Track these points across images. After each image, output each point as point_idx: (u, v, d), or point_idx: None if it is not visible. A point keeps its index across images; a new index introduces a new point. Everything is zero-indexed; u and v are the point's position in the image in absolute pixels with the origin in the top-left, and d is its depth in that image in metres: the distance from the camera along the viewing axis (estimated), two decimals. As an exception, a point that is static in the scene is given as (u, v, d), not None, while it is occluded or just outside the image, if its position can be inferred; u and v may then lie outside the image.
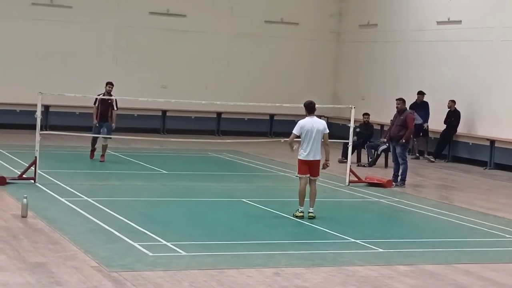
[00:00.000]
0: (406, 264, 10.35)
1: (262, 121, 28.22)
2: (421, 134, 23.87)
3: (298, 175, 13.23)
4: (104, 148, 18.99)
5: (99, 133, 18.58)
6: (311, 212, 13.12)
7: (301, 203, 13.08)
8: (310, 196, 13.18)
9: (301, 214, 13.04)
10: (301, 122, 13.16)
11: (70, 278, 8.83)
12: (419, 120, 23.46)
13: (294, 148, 13.24)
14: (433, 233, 12.78)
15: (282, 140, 16.53)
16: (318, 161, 13.20)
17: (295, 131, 13.12)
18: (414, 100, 23.59)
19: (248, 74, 28.31)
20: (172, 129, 26.86)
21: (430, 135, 24.17)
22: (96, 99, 18.75)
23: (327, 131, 13.23)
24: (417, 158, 23.65)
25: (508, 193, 17.99)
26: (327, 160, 13.39)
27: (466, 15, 23.69)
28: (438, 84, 24.30)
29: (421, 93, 23.86)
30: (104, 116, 18.79)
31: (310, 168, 13.11)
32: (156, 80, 27.01)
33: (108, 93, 18.79)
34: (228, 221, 12.79)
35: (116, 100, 18.89)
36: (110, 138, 18.88)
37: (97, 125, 18.86)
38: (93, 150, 19.14)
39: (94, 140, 18.95)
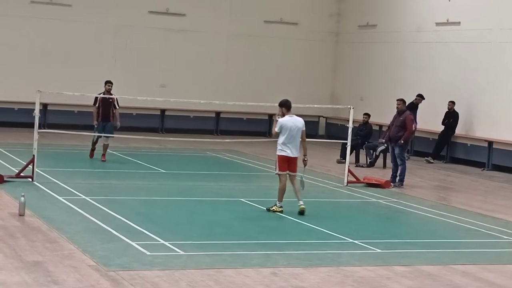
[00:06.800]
0: (404, 265, 10.34)
1: (260, 120, 28.21)
2: None
3: (278, 173, 13.54)
4: (106, 147, 18.78)
5: (102, 132, 18.42)
6: (303, 205, 13.43)
7: (281, 199, 13.47)
8: (295, 191, 13.59)
9: (281, 209, 13.40)
10: (282, 121, 13.46)
11: (67, 277, 8.82)
12: None
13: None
14: (431, 234, 12.79)
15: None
16: (297, 157, 13.60)
17: (277, 129, 13.44)
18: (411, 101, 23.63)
19: (247, 74, 28.32)
20: (170, 129, 26.87)
21: (428, 135, 24.15)
22: (96, 98, 18.59)
23: (304, 128, 13.62)
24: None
25: (506, 194, 17.99)
26: (305, 155, 13.71)
27: (465, 17, 23.69)
28: (436, 85, 24.29)
29: (418, 96, 23.67)
30: (107, 116, 18.63)
31: (289, 164, 13.48)
32: (155, 79, 27.00)
33: (108, 92, 18.67)
34: (226, 221, 12.78)
35: (117, 99, 18.79)
36: (113, 137, 18.68)
37: (99, 125, 18.66)
38: (93, 149, 19.04)
39: (96, 140, 18.82)
